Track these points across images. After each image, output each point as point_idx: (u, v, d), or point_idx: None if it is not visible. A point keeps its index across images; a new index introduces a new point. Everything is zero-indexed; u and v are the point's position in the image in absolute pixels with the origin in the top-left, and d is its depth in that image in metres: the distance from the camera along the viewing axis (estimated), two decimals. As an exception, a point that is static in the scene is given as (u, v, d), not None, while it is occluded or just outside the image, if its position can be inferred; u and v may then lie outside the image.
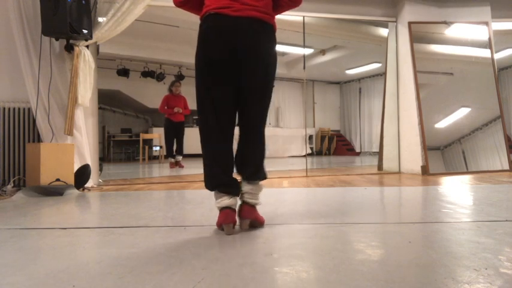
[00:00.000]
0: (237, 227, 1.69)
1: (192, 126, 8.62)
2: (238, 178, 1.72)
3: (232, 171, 1.70)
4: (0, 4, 3.36)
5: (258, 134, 1.73)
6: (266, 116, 1.76)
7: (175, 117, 6.18)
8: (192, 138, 6.66)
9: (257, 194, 1.70)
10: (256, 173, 1.70)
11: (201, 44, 1.65)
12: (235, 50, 1.60)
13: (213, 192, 1.68)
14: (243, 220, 1.67)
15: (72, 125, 3.27)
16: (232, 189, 1.65)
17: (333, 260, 1.23)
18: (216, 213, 1.67)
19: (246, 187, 1.67)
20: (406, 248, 1.38)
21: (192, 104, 6.60)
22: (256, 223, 1.71)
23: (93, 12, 3.39)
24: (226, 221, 1.61)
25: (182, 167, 6.22)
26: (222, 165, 1.66)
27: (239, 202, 1.68)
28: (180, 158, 6.32)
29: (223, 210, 1.62)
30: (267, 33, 1.66)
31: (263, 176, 1.73)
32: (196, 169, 5.67)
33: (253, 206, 1.68)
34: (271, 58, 1.68)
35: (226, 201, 1.61)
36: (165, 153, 8.12)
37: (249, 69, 1.63)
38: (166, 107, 6.17)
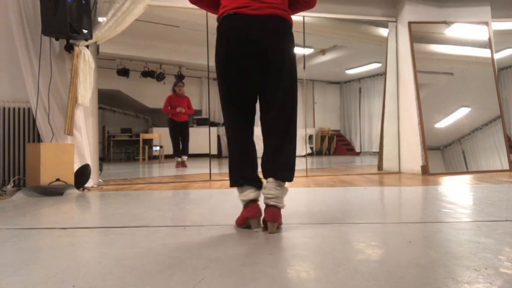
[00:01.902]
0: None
1: (192, 126, 8.63)
2: (264, 181, 1.70)
3: (256, 169, 1.71)
4: (0, 4, 3.37)
5: (288, 133, 1.68)
6: (295, 114, 1.70)
7: (178, 117, 6.21)
8: (192, 138, 6.68)
9: (283, 198, 1.67)
10: (285, 173, 1.67)
11: (221, 46, 1.64)
12: (257, 49, 1.58)
13: (235, 189, 1.69)
14: (272, 223, 1.62)
15: (72, 125, 3.27)
16: (257, 182, 1.66)
17: (333, 260, 1.23)
18: (216, 213, 1.67)
19: (274, 191, 1.63)
20: (406, 248, 1.38)
21: (196, 104, 6.62)
22: (278, 225, 1.69)
23: (93, 12, 3.39)
24: (254, 215, 1.61)
25: (186, 166, 6.23)
26: (246, 162, 1.69)
27: (264, 206, 1.66)
28: (185, 158, 6.34)
29: (248, 204, 1.63)
30: (286, 29, 1.65)
31: (291, 177, 1.69)
32: (197, 169, 5.67)
33: (279, 209, 1.66)
34: (292, 55, 1.68)
35: (252, 193, 1.63)
36: (165, 153, 8.15)
37: (272, 67, 1.62)
38: (169, 107, 6.19)
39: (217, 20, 1.68)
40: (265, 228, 1.66)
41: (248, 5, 1.58)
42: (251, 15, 1.57)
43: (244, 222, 1.67)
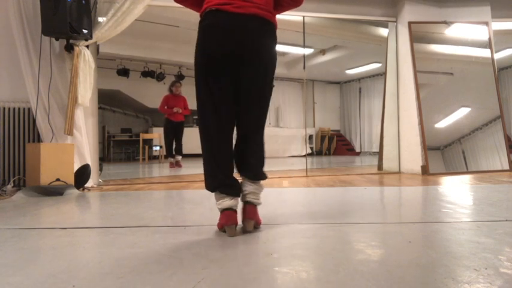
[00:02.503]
0: (238, 227, 1.68)
1: (191, 126, 8.62)
2: (239, 178, 1.70)
3: (233, 172, 1.67)
4: (0, 4, 3.37)
5: (258, 134, 1.70)
6: (266, 115, 1.73)
7: (174, 117, 6.21)
8: (192, 138, 6.68)
9: (259, 194, 1.68)
10: (258, 173, 1.68)
11: (201, 41, 1.61)
12: (236, 47, 1.57)
13: (213, 193, 1.66)
14: (248, 221, 1.63)
15: (72, 125, 3.27)
16: (233, 190, 1.62)
17: (333, 260, 1.23)
18: (216, 213, 1.67)
19: (249, 187, 1.64)
20: (406, 248, 1.38)
21: (192, 104, 6.62)
22: (257, 225, 1.69)
23: (93, 12, 3.39)
24: (228, 223, 1.58)
25: (181, 166, 6.23)
26: (223, 165, 1.64)
27: (241, 203, 1.66)
28: (179, 157, 6.34)
29: (224, 211, 1.60)
30: (268, 31, 1.64)
31: (264, 176, 1.70)
32: (196, 169, 5.67)
33: (255, 206, 1.65)
34: (271, 57, 1.66)
35: (227, 202, 1.59)
36: (165, 153, 8.14)
37: (249, 67, 1.60)
38: (166, 107, 6.20)
39: (200, 15, 1.65)
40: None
41: (231, 2, 1.56)
42: (233, 13, 1.55)
43: (221, 227, 1.65)
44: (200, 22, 1.64)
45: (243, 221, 1.65)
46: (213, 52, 1.58)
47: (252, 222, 1.64)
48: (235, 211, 1.61)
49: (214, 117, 1.63)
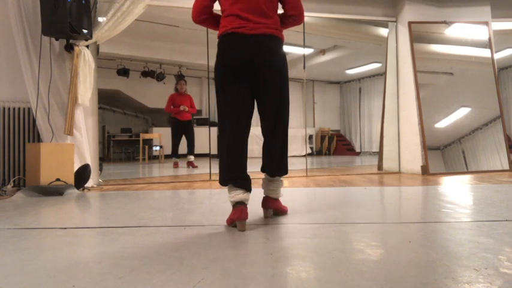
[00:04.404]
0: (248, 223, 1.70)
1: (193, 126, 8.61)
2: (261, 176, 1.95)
3: (246, 169, 1.81)
4: (0, 4, 3.37)
5: (281, 136, 1.89)
6: (287, 118, 1.91)
7: (181, 116, 6.05)
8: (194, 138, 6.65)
9: (279, 189, 1.95)
10: (279, 169, 1.91)
11: (220, 59, 1.81)
12: (253, 63, 1.76)
13: (225, 189, 1.81)
14: (267, 210, 1.94)
15: (72, 124, 3.27)
16: (246, 183, 1.74)
17: (333, 260, 1.23)
18: (215, 213, 1.67)
19: (269, 185, 1.92)
20: (406, 248, 1.38)
21: (196, 104, 6.61)
22: (279, 212, 1.98)
23: (93, 12, 3.39)
24: (240, 218, 1.67)
25: (195, 167, 5.96)
26: (237, 161, 1.78)
27: (263, 195, 1.94)
28: (192, 157, 6.10)
29: (236, 206, 1.70)
30: (278, 45, 1.86)
31: (284, 172, 1.94)
32: (197, 169, 5.67)
33: (276, 199, 1.94)
34: (284, 66, 1.87)
35: (240, 195, 1.71)
36: (165, 153, 8.13)
37: (267, 78, 1.80)
38: (172, 106, 6.08)
39: (218, 37, 1.85)
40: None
41: (244, 25, 1.77)
42: (247, 35, 1.76)
43: (232, 223, 1.74)
44: (219, 43, 1.84)
45: (263, 208, 1.94)
46: (231, 63, 1.79)
47: (270, 211, 1.95)
48: (246, 206, 1.71)
49: (234, 122, 1.79)
